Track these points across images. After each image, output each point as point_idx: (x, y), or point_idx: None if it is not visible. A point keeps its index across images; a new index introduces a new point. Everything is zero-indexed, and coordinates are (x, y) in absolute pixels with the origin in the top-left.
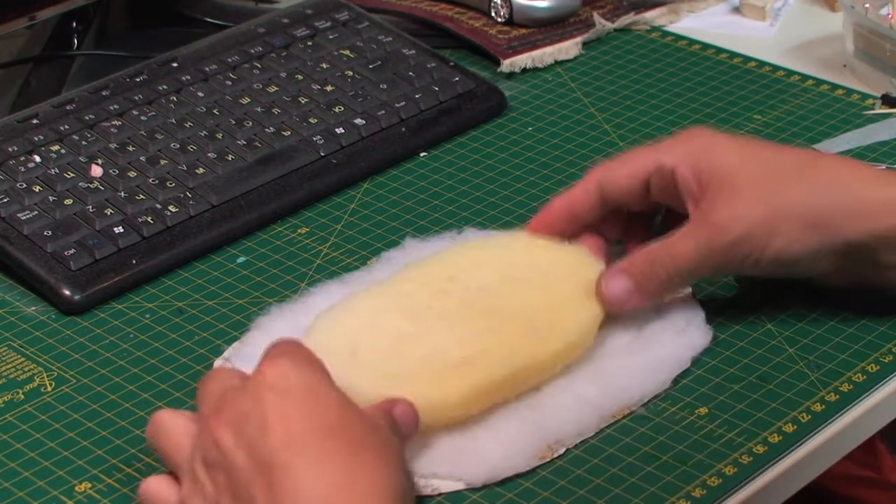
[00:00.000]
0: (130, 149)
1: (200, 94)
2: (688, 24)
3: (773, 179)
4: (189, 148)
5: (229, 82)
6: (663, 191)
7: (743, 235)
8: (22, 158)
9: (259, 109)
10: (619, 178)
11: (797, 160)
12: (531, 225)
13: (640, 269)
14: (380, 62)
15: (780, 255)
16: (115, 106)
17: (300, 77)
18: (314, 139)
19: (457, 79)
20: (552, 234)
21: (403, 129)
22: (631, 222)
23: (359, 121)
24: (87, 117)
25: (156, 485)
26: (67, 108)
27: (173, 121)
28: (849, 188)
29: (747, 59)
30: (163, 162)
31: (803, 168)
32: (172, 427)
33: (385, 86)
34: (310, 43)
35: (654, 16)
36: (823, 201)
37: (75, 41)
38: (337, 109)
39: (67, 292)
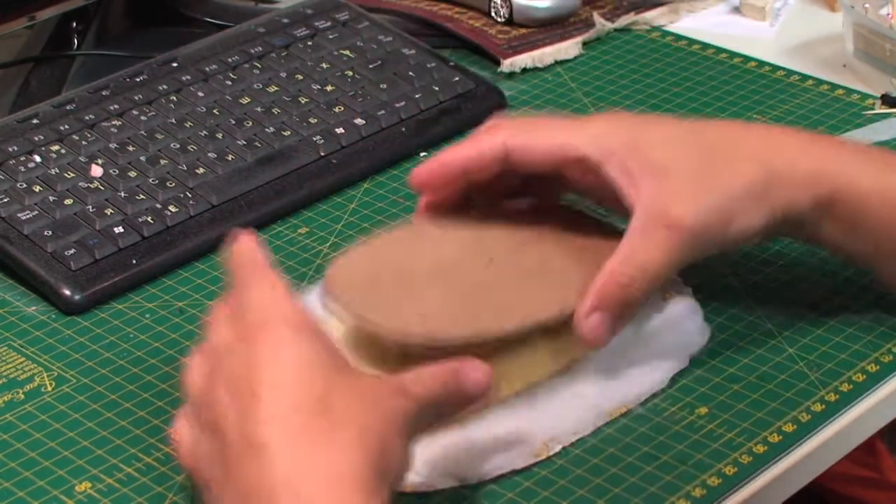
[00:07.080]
0: (130, 149)
1: (200, 94)
2: (688, 24)
3: (713, 161)
4: (189, 148)
5: (229, 82)
6: (581, 180)
7: (704, 227)
8: (22, 158)
9: (259, 109)
10: (533, 153)
11: (726, 135)
12: (419, 176)
13: (614, 299)
14: (380, 62)
15: (740, 236)
16: (115, 106)
17: (300, 77)
18: (314, 139)
19: (457, 79)
20: (443, 191)
21: (403, 129)
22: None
23: (359, 121)
24: (87, 117)
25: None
26: (67, 108)
27: (173, 121)
28: (781, 155)
29: (747, 59)
30: (163, 162)
31: (737, 141)
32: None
33: (385, 86)
34: (310, 43)
35: (654, 16)
36: (762, 172)
37: (75, 41)
38: (337, 109)
39: (67, 292)
